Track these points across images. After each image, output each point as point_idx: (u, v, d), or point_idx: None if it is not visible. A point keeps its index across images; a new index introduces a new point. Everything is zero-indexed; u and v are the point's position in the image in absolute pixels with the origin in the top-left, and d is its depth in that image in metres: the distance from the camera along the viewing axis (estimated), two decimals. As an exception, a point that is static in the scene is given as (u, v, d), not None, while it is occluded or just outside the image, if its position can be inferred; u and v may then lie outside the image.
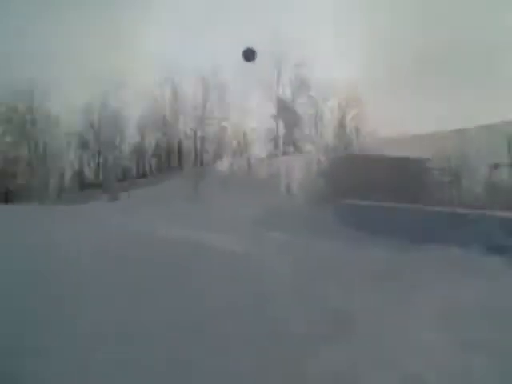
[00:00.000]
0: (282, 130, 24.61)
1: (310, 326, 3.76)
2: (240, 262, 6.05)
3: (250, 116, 28.95)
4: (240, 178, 21.04)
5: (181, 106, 31.75)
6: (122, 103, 31.00)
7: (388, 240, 7.69)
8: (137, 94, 30.79)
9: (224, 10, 39.37)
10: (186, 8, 44.04)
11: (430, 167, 13.97)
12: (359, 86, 30.56)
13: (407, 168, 13.69)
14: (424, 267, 5.95)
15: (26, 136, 29.08)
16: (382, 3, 40.42)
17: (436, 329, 3.73)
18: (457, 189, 11.96)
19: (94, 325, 3.76)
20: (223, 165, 29.66)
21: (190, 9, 46.48)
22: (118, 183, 29.42)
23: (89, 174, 31.95)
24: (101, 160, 31.32)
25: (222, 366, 3.04)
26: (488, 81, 31.90)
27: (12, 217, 16.45)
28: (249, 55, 8.26)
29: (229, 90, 30.64)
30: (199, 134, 31.39)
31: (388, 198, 10.06)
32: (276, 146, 26.56)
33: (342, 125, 30.70)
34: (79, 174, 31.60)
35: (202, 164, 27.95)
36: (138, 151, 32.48)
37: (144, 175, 31.26)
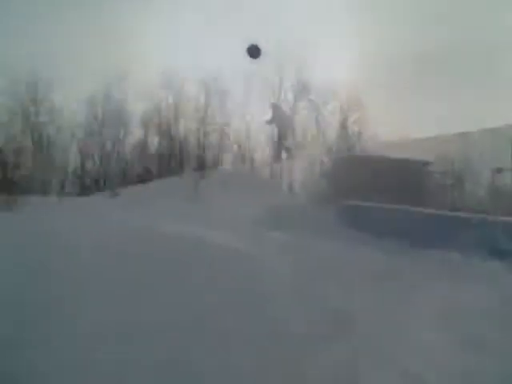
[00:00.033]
0: (276, 135, 24.79)
1: (309, 326, 3.75)
2: (240, 260, 6.03)
3: (252, 119, 29.18)
4: (242, 179, 21.03)
5: (182, 107, 31.75)
6: (126, 96, 30.95)
7: (388, 242, 7.67)
8: (137, 94, 30.75)
9: (226, 11, 39.44)
10: (187, 11, 44.13)
11: (432, 170, 13.95)
12: (361, 89, 30.69)
13: (409, 170, 13.67)
14: (423, 272, 5.92)
15: (29, 128, 29.12)
16: (383, 4, 40.48)
17: (435, 330, 3.72)
18: (459, 192, 11.94)
19: (93, 323, 3.73)
20: (225, 165, 29.74)
21: (191, 12, 46.57)
22: (120, 179, 29.44)
23: (91, 167, 31.93)
24: (103, 154, 31.32)
25: (221, 364, 3.03)
26: (490, 81, 31.87)
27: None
28: (253, 52, 8.18)
29: (230, 92, 30.71)
30: (201, 135, 31.37)
31: (389, 199, 10.04)
32: (275, 150, 26.73)
33: (344, 127, 30.71)
34: (81, 168, 31.60)
35: (203, 164, 27.97)
36: (141, 147, 32.45)
37: (146, 172, 31.27)
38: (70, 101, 29.37)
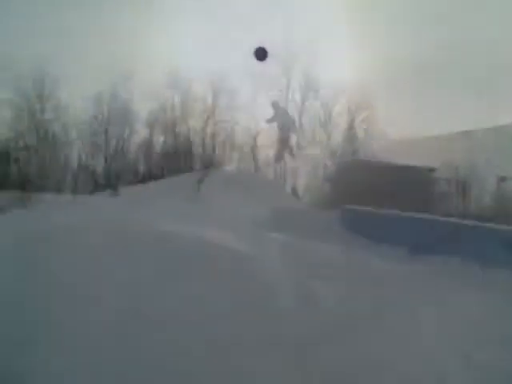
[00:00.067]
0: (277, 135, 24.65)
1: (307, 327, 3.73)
2: (237, 260, 5.99)
3: (258, 119, 29.24)
4: (245, 180, 21.03)
5: (188, 107, 31.84)
6: (132, 95, 31.08)
7: (388, 248, 7.63)
8: (143, 93, 30.88)
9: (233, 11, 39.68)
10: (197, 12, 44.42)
11: (438, 177, 13.91)
12: (369, 88, 30.76)
13: (414, 177, 13.63)
14: (424, 279, 5.88)
15: (35, 125, 29.28)
16: (388, 4, 40.52)
17: (433, 336, 3.70)
18: (464, 199, 11.90)
19: (93, 322, 3.70)
20: (229, 166, 29.76)
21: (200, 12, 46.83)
22: (122, 178, 29.54)
23: (95, 166, 32.05)
24: (108, 152, 31.46)
25: (221, 362, 3.04)
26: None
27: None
28: (260, 54, 8.16)
29: (237, 93, 30.79)
30: (206, 135, 31.47)
31: (392, 205, 10.00)
32: (277, 150, 26.73)
33: (351, 127, 30.82)
34: (85, 166, 31.73)
35: (207, 164, 28.03)
36: (145, 147, 32.55)
37: (150, 172, 31.35)
38: (76, 98, 29.56)
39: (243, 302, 4.11)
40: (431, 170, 14.36)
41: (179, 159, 31.25)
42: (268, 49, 8.25)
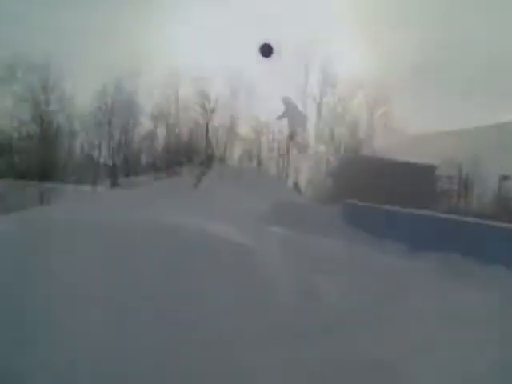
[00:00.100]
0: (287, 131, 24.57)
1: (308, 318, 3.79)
2: (239, 254, 6.03)
3: (264, 115, 29.18)
4: (248, 175, 21.00)
5: (192, 102, 31.76)
6: (136, 88, 30.99)
7: (390, 243, 7.68)
8: (147, 88, 30.82)
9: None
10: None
11: (439, 174, 13.91)
12: (386, 84, 30.76)
13: (416, 174, 13.64)
14: (423, 275, 5.93)
15: (39, 116, 29.25)
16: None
17: (433, 329, 3.75)
18: (465, 197, 11.93)
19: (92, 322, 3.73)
20: (233, 161, 29.75)
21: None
22: (124, 170, 29.57)
23: (98, 157, 32.04)
24: (111, 144, 31.43)
25: (223, 358, 3.07)
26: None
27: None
28: (265, 50, 8.17)
29: (254, 89, 30.64)
30: (209, 130, 31.40)
31: (394, 202, 10.04)
32: (285, 146, 26.78)
33: (368, 123, 30.91)
34: (89, 157, 31.72)
35: (210, 159, 27.99)
36: (149, 139, 32.51)
37: (152, 164, 31.34)
38: (81, 90, 29.51)
39: (245, 296, 4.16)
40: (432, 167, 14.37)
41: (182, 153, 31.21)
42: (273, 45, 8.24)
